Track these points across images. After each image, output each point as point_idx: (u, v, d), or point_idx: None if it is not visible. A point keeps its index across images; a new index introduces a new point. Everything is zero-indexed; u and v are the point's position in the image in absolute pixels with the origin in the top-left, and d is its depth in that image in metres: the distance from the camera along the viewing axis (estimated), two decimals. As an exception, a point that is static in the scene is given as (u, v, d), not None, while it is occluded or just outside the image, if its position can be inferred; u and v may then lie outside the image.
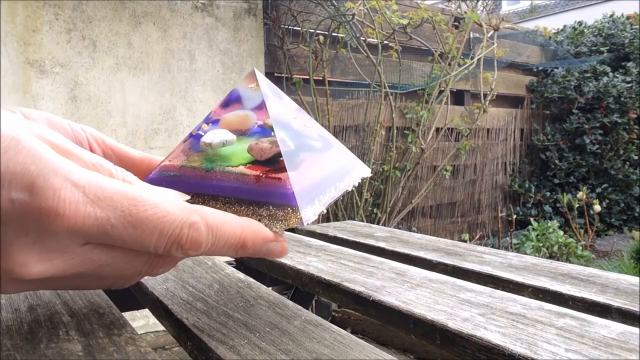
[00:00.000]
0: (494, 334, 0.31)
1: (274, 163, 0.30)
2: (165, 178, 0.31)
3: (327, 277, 0.45)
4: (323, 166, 0.34)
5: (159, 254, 0.27)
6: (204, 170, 0.31)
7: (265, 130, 0.32)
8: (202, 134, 0.32)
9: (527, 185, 3.85)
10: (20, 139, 0.23)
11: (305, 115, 0.36)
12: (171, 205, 0.25)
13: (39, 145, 0.24)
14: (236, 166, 0.30)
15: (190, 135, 0.33)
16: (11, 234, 0.23)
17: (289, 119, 0.34)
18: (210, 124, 0.33)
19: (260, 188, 0.30)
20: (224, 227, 0.27)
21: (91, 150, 0.35)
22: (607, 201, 3.79)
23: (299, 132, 0.34)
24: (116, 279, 0.28)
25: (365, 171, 0.39)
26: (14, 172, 0.23)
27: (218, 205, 0.30)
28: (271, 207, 0.30)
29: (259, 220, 0.30)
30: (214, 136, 0.32)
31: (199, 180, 0.31)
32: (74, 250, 0.25)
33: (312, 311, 1.15)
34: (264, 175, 0.30)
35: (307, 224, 0.30)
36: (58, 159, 0.24)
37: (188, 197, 0.30)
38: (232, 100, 0.34)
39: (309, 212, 0.30)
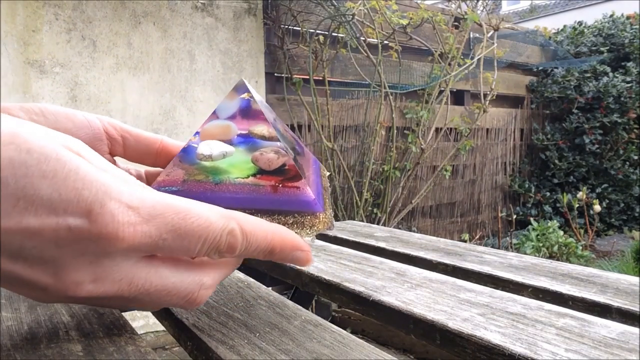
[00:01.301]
0: (494, 334, 0.31)
1: (282, 172, 0.31)
2: (168, 193, 0.31)
3: (327, 277, 0.45)
4: (310, 170, 0.35)
5: (201, 280, 0.28)
6: (212, 183, 0.31)
7: (250, 139, 0.32)
8: (195, 145, 0.32)
9: (527, 185, 3.85)
10: (65, 160, 0.23)
11: (275, 115, 0.37)
12: (212, 213, 0.26)
13: (83, 165, 0.24)
14: (246, 177, 0.31)
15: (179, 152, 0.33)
16: (68, 256, 0.24)
17: (278, 125, 0.34)
18: (196, 136, 0.33)
19: (280, 197, 0.30)
20: (256, 233, 0.28)
21: (109, 137, 0.38)
22: (607, 201, 3.79)
23: (287, 138, 0.34)
24: (159, 304, 0.29)
25: (325, 170, 0.40)
26: (67, 200, 0.23)
27: None
28: (296, 215, 0.31)
29: (288, 228, 0.31)
30: (210, 148, 0.32)
31: (210, 194, 0.31)
32: (125, 269, 0.25)
33: (312, 311, 1.15)
34: (280, 185, 0.30)
35: (333, 227, 0.31)
36: (107, 179, 0.24)
37: None
38: (214, 113, 0.34)
39: (330, 216, 0.32)
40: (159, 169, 0.42)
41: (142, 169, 0.42)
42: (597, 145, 3.79)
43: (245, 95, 0.33)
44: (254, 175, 0.31)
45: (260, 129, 0.32)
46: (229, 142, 0.32)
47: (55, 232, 0.23)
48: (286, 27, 2.53)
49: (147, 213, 0.25)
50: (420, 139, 2.95)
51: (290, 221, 0.31)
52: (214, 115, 0.34)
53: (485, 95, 3.22)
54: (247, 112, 0.33)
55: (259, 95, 0.36)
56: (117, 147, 0.38)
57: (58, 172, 0.23)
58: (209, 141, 0.32)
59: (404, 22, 2.78)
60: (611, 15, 4.45)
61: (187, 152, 0.32)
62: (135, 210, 0.24)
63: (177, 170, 0.31)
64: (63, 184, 0.23)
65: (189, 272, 0.28)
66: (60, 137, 0.25)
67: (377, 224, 2.81)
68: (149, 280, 0.26)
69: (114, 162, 0.40)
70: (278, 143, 0.31)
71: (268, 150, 0.31)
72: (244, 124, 0.33)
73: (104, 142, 0.37)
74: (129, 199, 0.24)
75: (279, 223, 0.31)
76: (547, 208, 3.77)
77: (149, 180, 0.42)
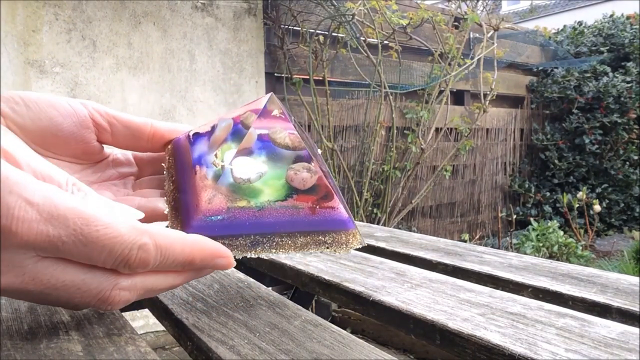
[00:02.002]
0: (494, 334, 0.31)
1: (314, 191, 0.32)
2: (215, 224, 0.31)
3: (327, 277, 0.45)
4: (326, 171, 0.35)
5: (116, 280, 0.27)
6: (255, 210, 0.31)
7: (271, 146, 0.33)
8: (230, 167, 0.32)
9: (527, 185, 3.84)
10: None
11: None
12: (123, 225, 0.26)
13: None
14: (284, 200, 0.32)
15: (203, 164, 0.33)
16: None
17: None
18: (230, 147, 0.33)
19: (317, 218, 0.32)
20: (173, 247, 0.28)
21: (95, 124, 0.36)
22: (607, 201, 3.79)
23: (308, 142, 0.35)
24: (71, 302, 0.28)
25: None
26: None
27: (284, 240, 0.32)
28: (333, 234, 0.32)
29: (327, 247, 0.32)
30: (247, 171, 0.32)
31: (254, 220, 0.31)
32: (26, 265, 0.25)
33: (312, 311, 1.15)
34: (317, 207, 0.32)
35: (364, 242, 0.33)
36: (12, 172, 0.24)
37: (143, 216, 0.30)
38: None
39: (358, 230, 0.33)
40: (149, 153, 0.40)
41: (130, 153, 0.41)
42: (597, 145, 3.79)
43: (277, 112, 0.34)
44: (289, 195, 0.32)
45: (282, 136, 0.33)
46: (250, 150, 0.33)
47: None
48: (286, 27, 2.53)
49: (47, 212, 0.24)
50: (420, 139, 2.95)
51: (330, 240, 0.32)
52: (235, 119, 0.34)
53: (485, 95, 3.22)
54: (264, 114, 0.34)
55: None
56: (105, 135, 0.37)
57: None
58: (243, 160, 0.32)
59: (404, 22, 2.77)
60: (611, 15, 4.45)
61: (224, 175, 0.32)
62: (35, 206, 0.24)
63: (217, 195, 0.31)
64: None
65: (102, 271, 0.27)
66: None
67: (377, 224, 2.81)
68: (55, 277, 0.26)
69: (102, 150, 0.38)
70: (303, 152, 0.32)
71: (300, 169, 0.32)
72: (261, 124, 0.33)
73: (91, 129, 0.36)
74: (30, 194, 0.24)
75: (317, 243, 0.32)
76: (547, 208, 3.77)
77: (139, 165, 0.41)
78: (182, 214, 0.33)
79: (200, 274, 0.32)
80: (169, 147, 0.38)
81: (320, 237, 0.32)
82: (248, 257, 0.32)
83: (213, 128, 0.35)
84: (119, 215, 0.26)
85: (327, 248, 0.33)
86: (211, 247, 0.29)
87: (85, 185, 0.28)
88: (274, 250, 0.32)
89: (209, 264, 0.30)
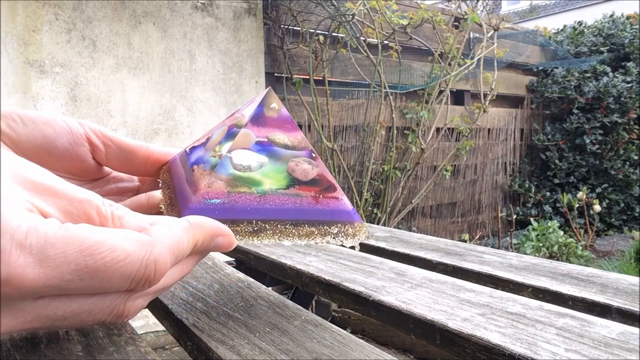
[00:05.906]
0: (494, 334, 0.31)
1: (316, 183, 0.31)
2: (215, 206, 0.30)
3: (327, 277, 0.45)
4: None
5: (126, 296, 0.25)
6: (257, 195, 0.30)
7: (270, 147, 0.32)
8: (229, 156, 0.31)
9: (527, 185, 3.85)
10: None
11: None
12: (129, 243, 0.23)
13: None
14: (286, 188, 0.31)
15: (201, 163, 0.32)
16: None
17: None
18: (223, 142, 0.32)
19: (321, 208, 0.31)
20: (182, 241, 0.26)
21: (90, 143, 0.36)
22: (607, 201, 3.79)
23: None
24: (84, 324, 0.26)
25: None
26: None
27: (287, 228, 0.31)
28: (340, 225, 0.32)
29: (333, 238, 0.32)
30: (248, 159, 0.31)
31: (256, 206, 0.30)
32: (25, 307, 0.23)
33: (312, 311, 1.15)
34: (320, 196, 0.31)
35: (370, 235, 0.32)
36: (7, 212, 0.21)
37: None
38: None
39: (364, 224, 0.33)
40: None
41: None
42: (597, 146, 3.79)
43: (275, 106, 0.33)
44: (291, 185, 0.31)
45: (281, 137, 0.32)
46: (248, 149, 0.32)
47: None
48: (286, 27, 2.53)
49: (42, 254, 0.21)
50: (421, 139, 2.95)
51: (335, 231, 0.32)
52: (232, 121, 0.34)
53: (485, 95, 3.22)
54: (261, 120, 0.33)
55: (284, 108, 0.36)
56: (99, 154, 0.37)
57: None
58: (241, 151, 0.32)
59: (404, 22, 2.78)
60: (611, 15, 4.45)
61: (222, 163, 0.31)
62: (27, 249, 0.21)
63: (217, 181, 0.30)
64: None
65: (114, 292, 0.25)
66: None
67: (377, 224, 2.81)
68: (62, 309, 0.23)
69: (100, 168, 0.38)
70: (304, 152, 0.32)
71: (301, 161, 0.32)
72: (259, 132, 0.32)
73: (86, 147, 0.36)
74: (23, 236, 0.21)
75: (323, 233, 0.31)
76: (547, 208, 3.77)
77: (141, 181, 0.41)
78: (179, 204, 0.32)
79: (202, 256, 0.30)
80: (165, 166, 0.37)
81: (326, 227, 0.32)
82: (251, 243, 0.31)
83: (208, 139, 0.35)
84: (121, 232, 0.24)
85: (333, 238, 0.32)
86: (210, 226, 0.28)
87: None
88: (277, 237, 0.31)
89: (209, 244, 0.28)
